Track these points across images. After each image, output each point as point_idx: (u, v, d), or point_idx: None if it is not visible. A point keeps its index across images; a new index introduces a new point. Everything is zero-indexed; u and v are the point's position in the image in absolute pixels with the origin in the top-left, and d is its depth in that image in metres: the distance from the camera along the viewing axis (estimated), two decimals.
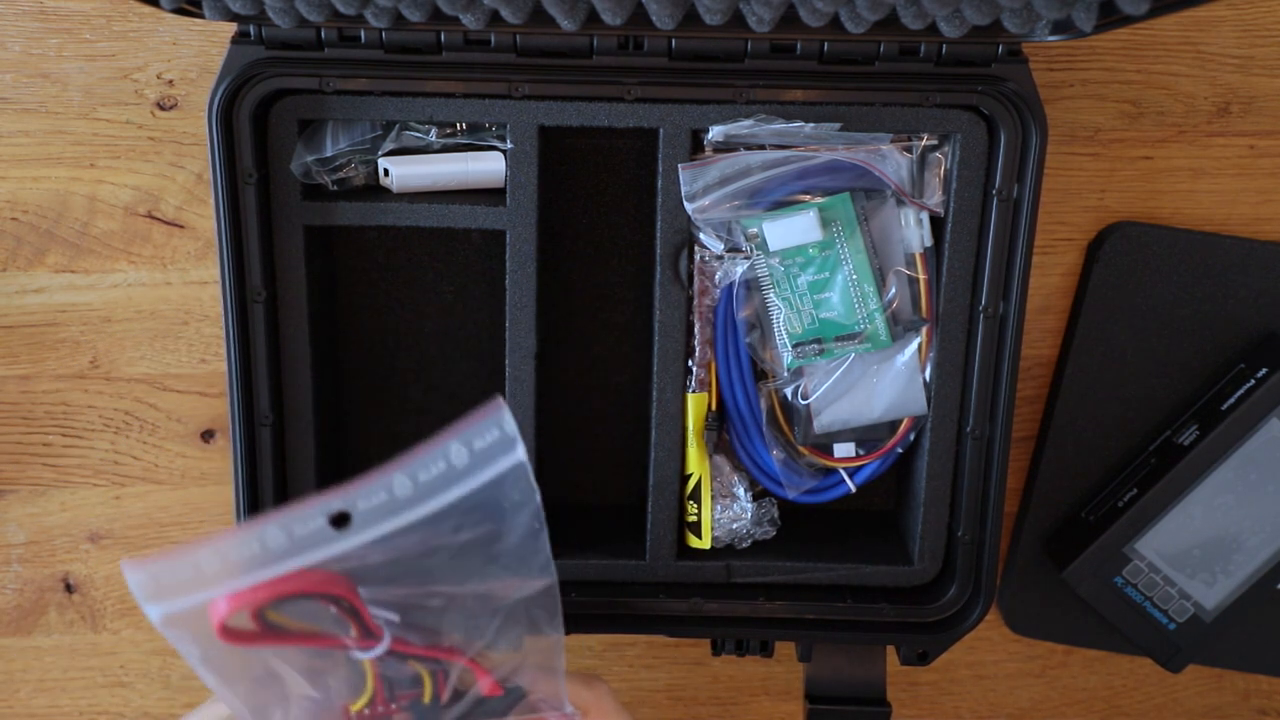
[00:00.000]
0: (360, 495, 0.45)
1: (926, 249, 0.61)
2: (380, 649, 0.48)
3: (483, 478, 0.46)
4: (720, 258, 0.61)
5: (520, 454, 0.46)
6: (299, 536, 0.45)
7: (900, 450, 0.65)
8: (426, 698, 0.51)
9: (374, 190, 0.61)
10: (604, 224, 0.66)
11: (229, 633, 0.45)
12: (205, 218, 0.66)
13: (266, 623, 0.46)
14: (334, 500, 0.45)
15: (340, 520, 0.45)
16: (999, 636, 0.74)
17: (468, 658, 0.50)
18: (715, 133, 0.58)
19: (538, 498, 0.48)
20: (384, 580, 0.47)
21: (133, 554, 0.71)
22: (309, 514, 0.45)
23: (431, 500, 0.46)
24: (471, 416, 0.45)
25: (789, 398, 0.63)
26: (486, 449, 0.46)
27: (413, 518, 0.45)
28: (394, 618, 0.48)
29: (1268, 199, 0.67)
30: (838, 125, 0.58)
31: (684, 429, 0.62)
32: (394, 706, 0.51)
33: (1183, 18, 0.65)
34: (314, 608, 0.47)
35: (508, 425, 0.46)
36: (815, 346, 0.62)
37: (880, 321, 0.61)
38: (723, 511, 0.64)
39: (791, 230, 0.60)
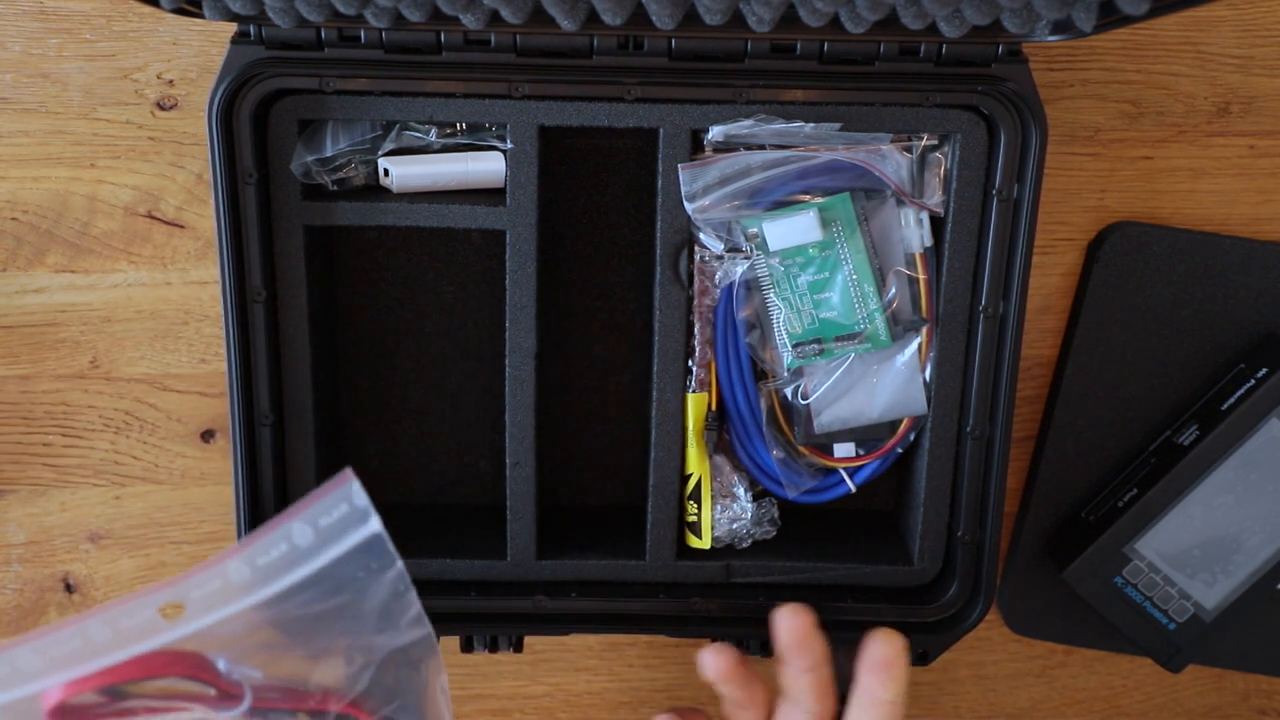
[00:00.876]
0: (194, 584, 0.44)
1: (926, 249, 0.61)
2: (242, 708, 0.47)
3: (331, 554, 0.45)
4: (720, 258, 0.61)
5: (374, 526, 0.45)
6: (126, 629, 0.44)
7: (900, 450, 0.65)
8: None
9: (374, 190, 0.61)
10: (604, 224, 0.66)
11: (66, 712, 0.44)
12: (205, 218, 0.66)
13: (115, 693, 0.45)
14: (164, 592, 0.44)
15: (172, 611, 0.44)
16: (999, 636, 0.74)
17: (345, 703, 0.49)
18: (715, 133, 0.58)
19: (399, 564, 0.46)
20: (239, 649, 0.46)
21: (133, 554, 0.71)
22: (136, 607, 0.44)
23: (272, 583, 0.45)
24: (318, 491, 0.44)
25: (789, 398, 0.63)
26: (334, 525, 0.45)
27: (250, 602, 0.44)
28: (256, 674, 0.48)
29: (1268, 199, 0.67)
30: (838, 125, 0.58)
31: (684, 429, 0.62)
32: None
33: (1183, 18, 0.65)
34: (167, 682, 0.46)
35: (358, 499, 0.45)
36: (815, 346, 0.62)
37: (880, 321, 0.61)
38: (723, 511, 0.64)
39: (791, 230, 0.60)
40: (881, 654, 0.56)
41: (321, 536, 0.44)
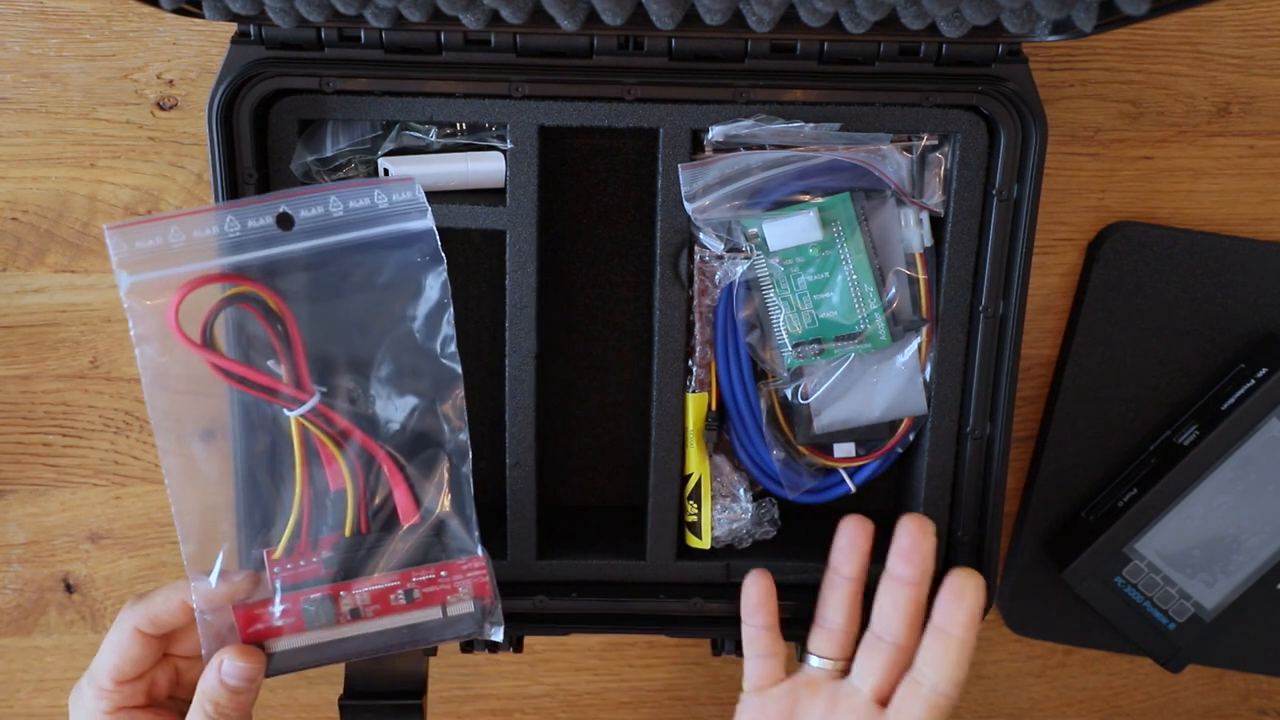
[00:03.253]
0: (301, 203, 0.52)
1: (926, 249, 0.61)
2: (309, 404, 0.53)
3: (400, 225, 0.53)
4: (720, 258, 0.61)
5: (429, 219, 0.54)
6: (251, 228, 0.52)
7: (900, 450, 0.65)
8: (348, 528, 0.54)
9: None
10: (604, 224, 0.66)
11: (179, 328, 0.51)
12: None
13: (210, 339, 0.52)
14: (279, 201, 0.52)
15: (284, 222, 0.52)
16: (999, 636, 0.74)
17: (385, 450, 0.54)
18: (715, 133, 0.58)
19: (444, 267, 0.54)
20: (317, 328, 0.53)
21: (133, 554, 0.71)
22: (260, 208, 0.52)
23: (360, 229, 0.53)
24: (386, 179, 0.53)
25: (789, 398, 0.63)
26: (403, 203, 0.53)
27: (345, 237, 0.52)
28: (321, 388, 0.54)
29: (1268, 199, 0.67)
30: (838, 125, 0.58)
31: (684, 429, 0.62)
32: (314, 559, 0.54)
33: (1183, 18, 0.65)
34: (258, 340, 0.53)
35: (419, 191, 0.53)
36: (815, 346, 0.62)
37: (880, 321, 0.61)
38: (723, 511, 0.64)
39: (791, 230, 0.60)
40: (960, 586, 0.57)
41: (394, 208, 0.53)
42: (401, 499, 0.54)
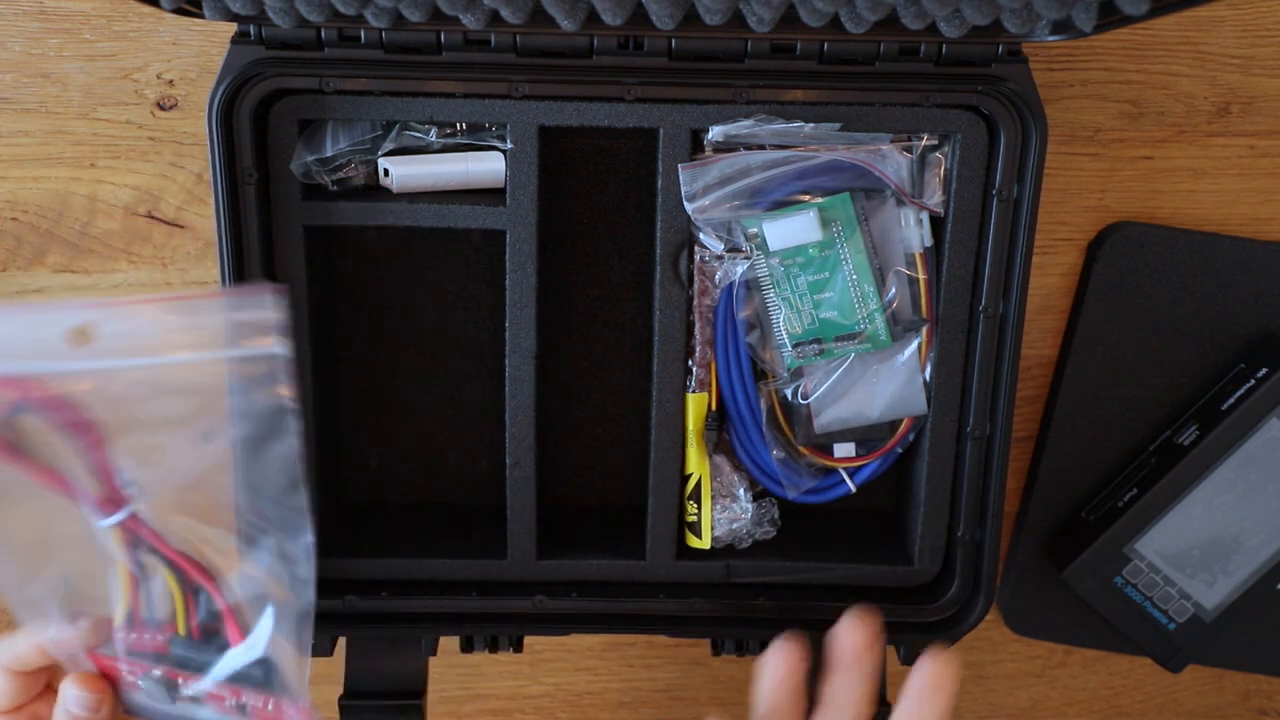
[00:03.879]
0: (107, 315, 0.44)
1: (926, 249, 0.61)
2: (119, 516, 0.48)
3: (237, 351, 0.45)
4: (720, 258, 0.61)
5: (280, 347, 0.45)
6: (39, 340, 0.44)
7: (900, 450, 0.65)
8: (180, 628, 0.50)
9: (374, 190, 0.61)
10: (604, 224, 0.66)
11: None
12: (205, 218, 0.66)
13: (10, 442, 0.45)
14: (78, 311, 0.44)
15: (80, 337, 0.44)
16: (999, 636, 0.74)
17: (209, 579, 0.50)
18: (715, 133, 0.58)
19: (290, 403, 0.46)
20: (129, 449, 0.47)
21: None
22: (50, 317, 0.44)
23: (180, 351, 0.45)
24: (241, 290, 0.46)
25: (789, 398, 0.63)
26: (247, 323, 0.45)
27: (154, 361, 0.44)
28: (135, 494, 0.48)
29: (1268, 199, 0.67)
30: (838, 125, 0.58)
31: (684, 429, 0.62)
32: (158, 638, 0.51)
33: (1183, 18, 0.65)
34: (63, 448, 0.46)
35: (269, 310, 0.45)
36: (815, 346, 0.62)
37: (880, 321, 0.61)
38: (723, 511, 0.64)
39: (791, 230, 0.60)
40: (933, 676, 0.54)
41: (236, 331, 0.44)
42: (229, 625, 0.51)
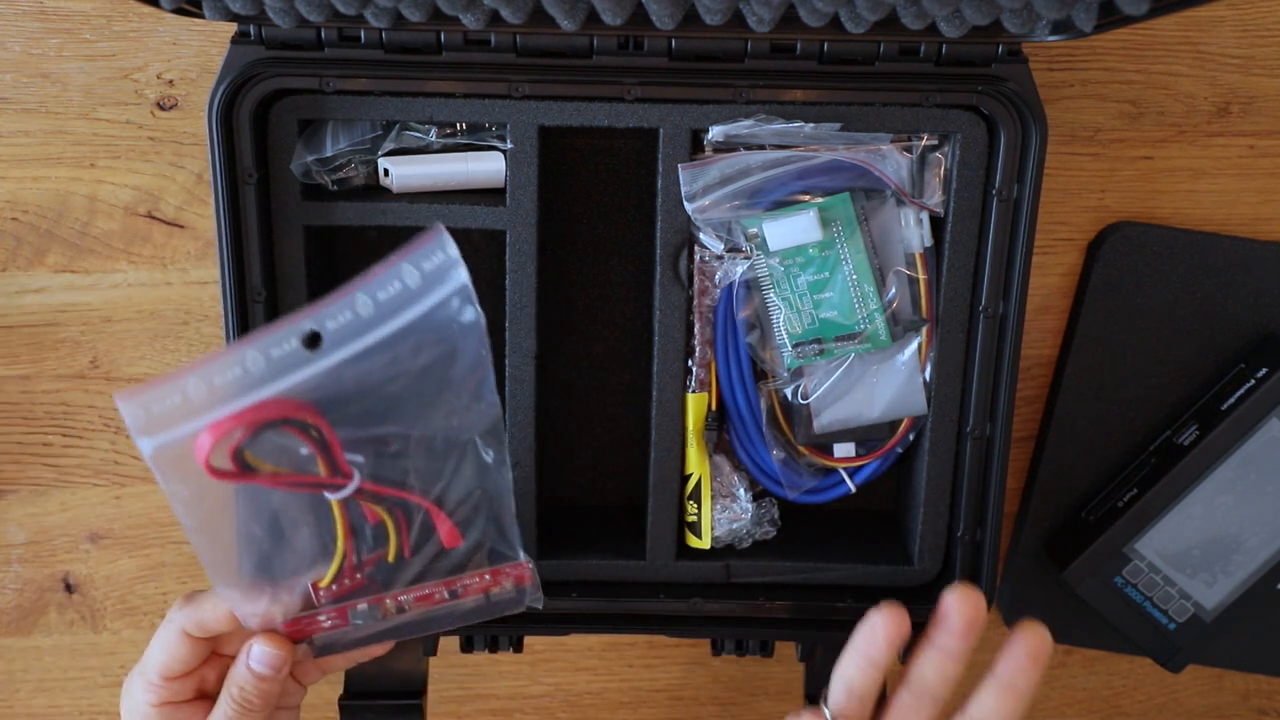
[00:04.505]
0: (327, 315, 0.47)
1: (926, 249, 0.61)
2: (350, 488, 0.50)
3: (435, 297, 0.48)
4: (720, 258, 0.61)
5: (463, 275, 0.48)
6: (276, 358, 0.47)
7: (900, 450, 0.65)
8: (391, 555, 0.53)
9: (374, 190, 0.61)
10: (604, 224, 0.66)
11: (213, 469, 0.47)
12: (205, 218, 0.66)
13: (243, 463, 0.48)
14: (304, 321, 0.47)
15: (312, 341, 0.47)
16: (999, 636, 0.73)
17: (429, 500, 0.52)
18: (715, 133, 0.58)
19: (483, 321, 0.49)
20: (351, 418, 0.50)
21: (133, 554, 0.71)
22: (283, 335, 0.47)
23: (393, 319, 0.48)
24: (416, 241, 0.48)
25: (789, 398, 0.63)
26: (434, 270, 0.48)
27: (378, 336, 0.48)
28: (360, 459, 0.51)
29: (1268, 199, 0.67)
30: (838, 125, 0.58)
31: (684, 429, 0.62)
32: (359, 576, 0.53)
33: (1183, 18, 0.65)
34: (288, 445, 0.49)
35: (450, 248, 0.48)
36: (815, 346, 0.62)
37: (880, 321, 0.61)
38: (723, 511, 0.64)
39: (791, 230, 0.60)
40: (1033, 645, 0.53)
41: (426, 280, 0.48)
42: (444, 532, 0.53)
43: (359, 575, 0.53)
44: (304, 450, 0.49)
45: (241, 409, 0.47)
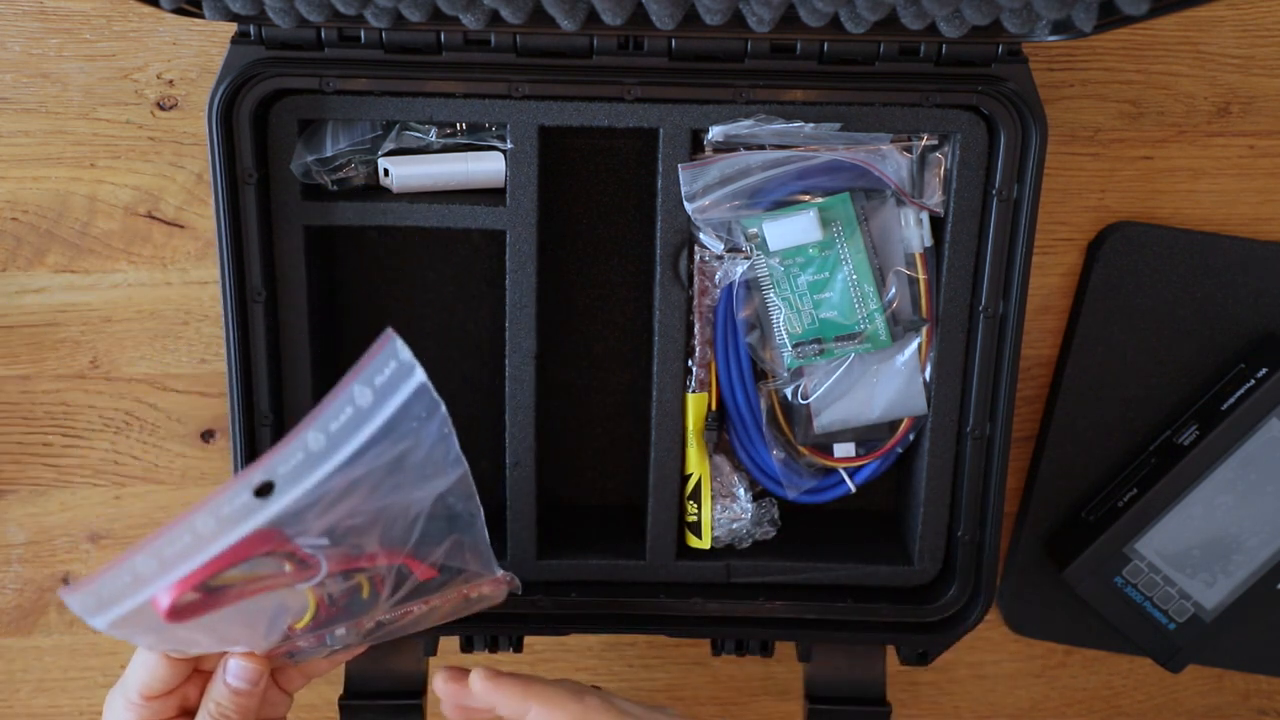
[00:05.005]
0: (279, 462, 0.47)
1: (926, 249, 0.61)
2: (318, 577, 0.50)
3: (388, 410, 0.47)
4: (720, 258, 0.61)
5: (419, 377, 0.47)
6: (226, 515, 0.47)
7: (900, 450, 0.65)
8: (365, 594, 0.53)
9: (374, 190, 0.61)
10: (604, 224, 0.66)
11: (177, 613, 0.47)
12: (205, 218, 0.66)
13: (210, 589, 0.48)
14: (255, 474, 0.47)
15: (263, 490, 0.47)
16: (999, 636, 0.74)
17: (400, 558, 0.52)
18: (715, 133, 0.58)
19: (443, 408, 0.49)
20: (311, 521, 0.49)
21: None
22: (233, 493, 0.47)
23: (345, 446, 0.47)
24: (366, 354, 0.47)
25: (789, 398, 0.63)
26: (387, 382, 0.47)
27: (330, 467, 0.47)
28: (323, 542, 0.50)
29: (1268, 199, 0.67)
30: (838, 125, 0.58)
31: (684, 429, 0.62)
32: (335, 610, 0.53)
33: (1183, 18, 0.65)
34: (250, 562, 0.49)
35: (403, 354, 0.47)
36: (815, 346, 0.62)
37: (880, 321, 0.61)
38: (723, 511, 0.64)
39: (791, 230, 0.60)
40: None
41: (379, 394, 0.47)
42: (420, 571, 0.53)
43: (335, 611, 0.53)
44: (267, 560, 0.49)
45: (193, 570, 0.47)
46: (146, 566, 0.47)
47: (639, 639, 0.74)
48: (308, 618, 0.52)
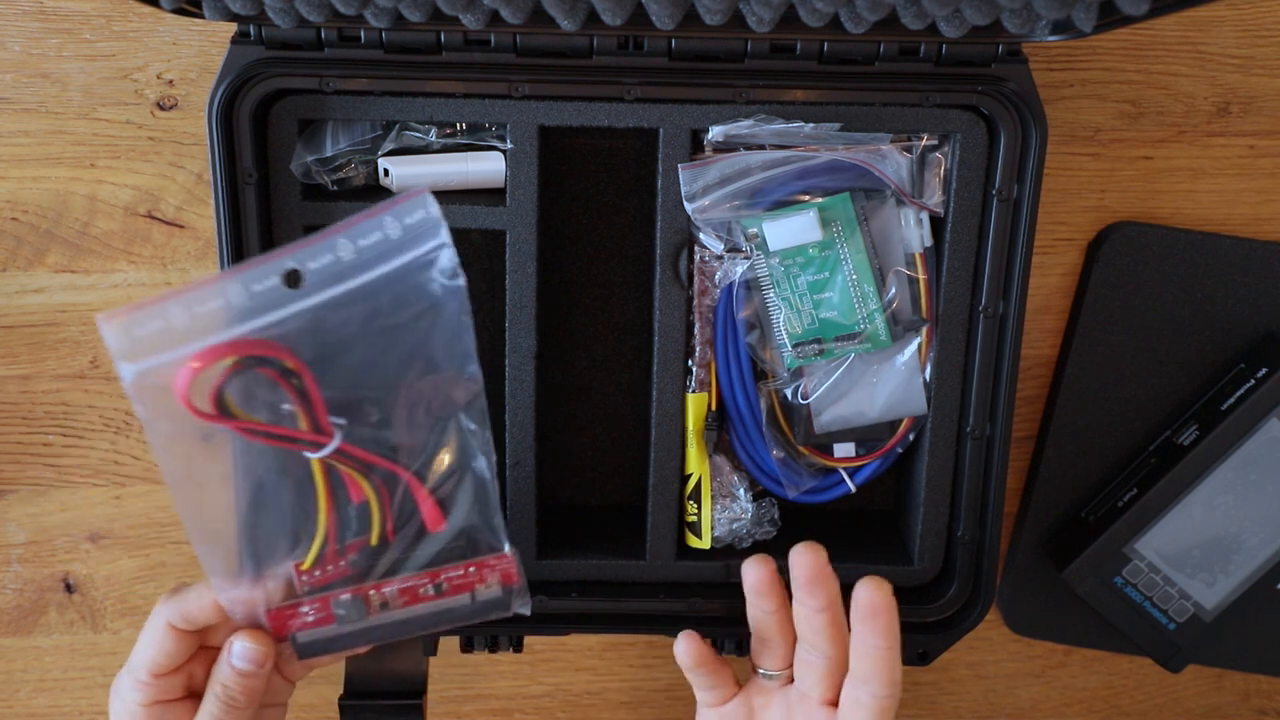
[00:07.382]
0: (308, 255, 0.48)
1: (926, 249, 0.61)
2: (331, 447, 0.51)
3: (416, 251, 0.49)
4: (720, 258, 0.61)
5: (445, 234, 0.49)
6: (257, 293, 0.48)
7: (900, 450, 0.65)
8: (374, 537, 0.53)
9: (374, 190, 0.61)
10: (604, 224, 0.66)
11: (192, 406, 0.47)
12: (205, 218, 0.66)
13: (223, 407, 0.48)
14: (285, 258, 0.48)
15: (292, 280, 0.48)
16: (999, 636, 0.74)
17: (410, 472, 0.52)
18: (715, 133, 0.58)
19: (464, 282, 0.49)
20: (332, 376, 0.50)
21: (133, 554, 0.71)
22: (264, 270, 0.48)
23: (373, 267, 0.48)
24: (398, 197, 0.48)
25: (789, 398, 0.63)
26: (415, 225, 0.48)
27: (358, 282, 0.48)
28: (341, 421, 0.51)
29: (1268, 199, 0.67)
30: (838, 125, 0.58)
31: (684, 429, 0.62)
32: (342, 564, 0.53)
33: (1183, 18, 0.65)
34: (270, 399, 0.49)
35: (432, 207, 0.48)
36: (815, 346, 0.62)
37: (880, 321, 0.61)
38: (723, 511, 0.64)
39: (791, 230, 0.60)
40: (868, 601, 0.55)
41: (407, 233, 0.48)
42: (427, 511, 0.53)
43: (341, 563, 0.53)
44: (286, 406, 0.49)
45: (223, 341, 0.47)
46: (178, 317, 0.47)
47: (639, 639, 0.74)
48: (316, 547, 0.52)
